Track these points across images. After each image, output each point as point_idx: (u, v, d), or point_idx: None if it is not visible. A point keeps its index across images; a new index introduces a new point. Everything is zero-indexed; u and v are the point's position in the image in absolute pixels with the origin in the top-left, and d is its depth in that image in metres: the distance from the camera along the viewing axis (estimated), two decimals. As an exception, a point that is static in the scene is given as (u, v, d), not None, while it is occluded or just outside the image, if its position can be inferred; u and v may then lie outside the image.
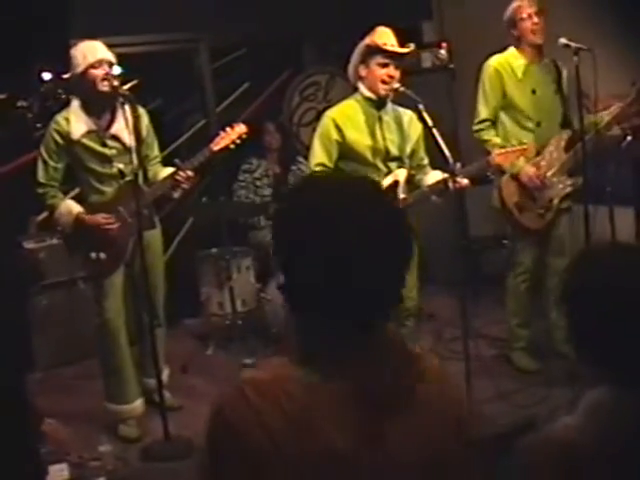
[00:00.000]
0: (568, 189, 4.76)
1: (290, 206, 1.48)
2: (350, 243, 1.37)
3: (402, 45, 4.30)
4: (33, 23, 5.76)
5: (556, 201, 4.77)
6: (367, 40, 4.29)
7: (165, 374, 4.70)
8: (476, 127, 4.81)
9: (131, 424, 4.52)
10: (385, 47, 4.22)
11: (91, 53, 4.29)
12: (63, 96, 6.64)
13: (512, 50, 4.81)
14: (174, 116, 6.99)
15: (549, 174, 4.74)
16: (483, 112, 4.80)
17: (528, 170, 4.70)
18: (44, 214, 6.01)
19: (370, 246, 1.39)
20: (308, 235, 1.40)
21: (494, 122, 4.82)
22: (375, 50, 4.24)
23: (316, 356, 1.43)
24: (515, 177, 4.74)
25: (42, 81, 6.77)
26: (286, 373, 1.42)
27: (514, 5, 4.76)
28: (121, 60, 4.43)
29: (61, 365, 5.62)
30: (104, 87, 4.22)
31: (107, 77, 4.19)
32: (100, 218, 4.38)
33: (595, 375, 1.72)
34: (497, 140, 4.73)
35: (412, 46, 4.32)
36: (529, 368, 4.89)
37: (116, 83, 4.18)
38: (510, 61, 4.78)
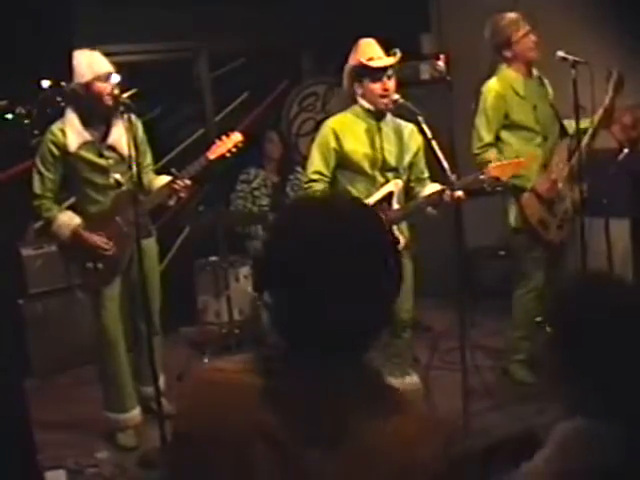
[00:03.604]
0: (577, 198, 4.77)
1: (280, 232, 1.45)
2: (326, 273, 1.35)
3: (387, 51, 4.29)
4: (33, 30, 5.78)
5: (570, 211, 4.80)
6: (352, 60, 4.27)
7: (161, 382, 4.70)
8: (478, 150, 4.78)
9: (129, 433, 4.52)
10: (370, 64, 4.20)
11: (97, 64, 4.27)
12: (62, 104, 6.66)
13: (506, 69, 4.79)
14: (173, 125, 7.00)
15: (560, 185, 4.76)
16: (487, 137, 4.76)
17: (543, 180, 4.71)
18: (41, 221, 6.03)
19: (346, 277, 1.35)
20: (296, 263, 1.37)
21: (495, 145, 4.82)
22: (363, 69, 4.23)
23: (273, 373, 1.41)
24: (534, 192, 4.74)
25: (41, 88, 6.78)
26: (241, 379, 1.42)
27: (504, 24, 4.70)
28: (120, 68, 4.42)
29: (58, 372, 5.62)
30: (108, 101, 4.22)
31: (112, 92, 4.17)
32: (97, 239, 4.38)
33: (570, 405, 1.73)
34: (501, 158, 4.71)
35: (398, 52, 4.29)
36: (526, 380, 4.89)
37: (117, 92, 4.17)
38: (510, 81, 4.76)
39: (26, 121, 6.90)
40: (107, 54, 4.42)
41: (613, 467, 1.61)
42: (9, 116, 6.73)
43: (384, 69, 4.22)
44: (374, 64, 4.21)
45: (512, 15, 4.72)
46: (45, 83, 6.74)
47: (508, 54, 4.75)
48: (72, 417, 4.81)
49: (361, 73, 4.26)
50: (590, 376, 1.69)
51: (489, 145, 4.77)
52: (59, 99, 6.54)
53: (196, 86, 6.97)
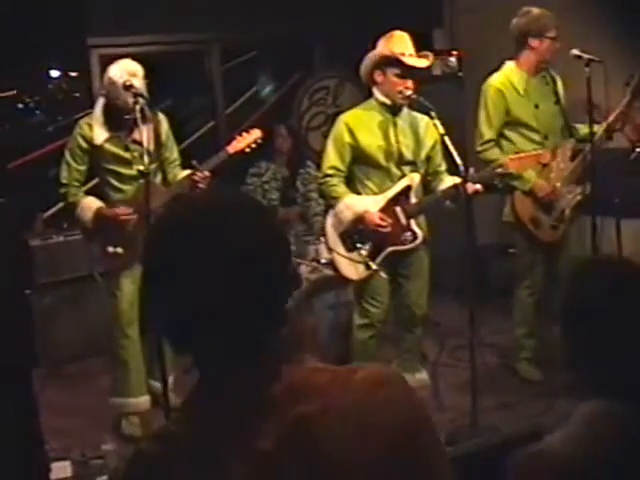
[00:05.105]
0: (578, 197, 4.74)
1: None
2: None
3: (417, 50, 4.30)
4: (46, 20, 5.78)
5: (568, 211, 4.76)
6: (385, 49, 4.26)
7: (171, 379, 4.65)
8: (480, 148, 4.74)
9: (134, 422, 4.52)
10: (404, 59, 4.20)
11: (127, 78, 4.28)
12: (72, 94, 6.66)
13: (510, 65, 4.76)
14: (183, 117, 7.01)
15: (558, 185, 4.73)
16: (487, 133, 4.74)
17: (542, 184, 4.68)
18: (50, 211, 6.04)
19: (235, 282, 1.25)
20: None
21: (496, 141, 4.79)
22: (393, 61, 4.23)
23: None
24: (529, 193, 4.72)
25: (50, 78, 6.79)
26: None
27: (547, 15, 4.64)
28: (132, 60, 4.44)
29: (65, 362, 5.61)
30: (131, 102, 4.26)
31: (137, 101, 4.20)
32: (117, 210, 4.45)
33: (589, 388, 1.72)
34: (505, 159, 4.70)
35: (430, 56, 4.29)
36: (533, 378, 4.87)
37: (129, 82, 4.22)
38: (510, 78, 4.72)
39: (36, 111, 6.92)
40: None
41: (631, 450, 1.62)
42: (19, 106, 6.75)
43: (414, 68, 4.21)
44: (408, 61, 4.20)
45: (554, 16, 4.68)
46: (54, 73, 6.75)
47: (533, 43, 4.65)
48: (78, 408, 4.81)
49: (388, 64, 4.25)
50: (607, 358, 1.69)
51: (491, 141, 4.74)
52: (67, 89, 6.57)
53: (207, 79, 6.96)
